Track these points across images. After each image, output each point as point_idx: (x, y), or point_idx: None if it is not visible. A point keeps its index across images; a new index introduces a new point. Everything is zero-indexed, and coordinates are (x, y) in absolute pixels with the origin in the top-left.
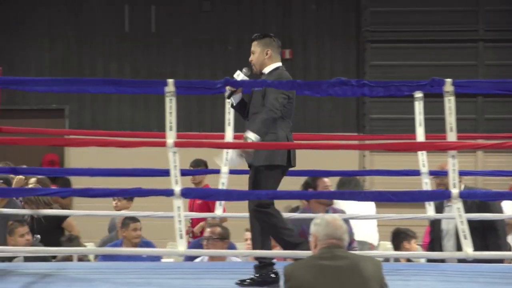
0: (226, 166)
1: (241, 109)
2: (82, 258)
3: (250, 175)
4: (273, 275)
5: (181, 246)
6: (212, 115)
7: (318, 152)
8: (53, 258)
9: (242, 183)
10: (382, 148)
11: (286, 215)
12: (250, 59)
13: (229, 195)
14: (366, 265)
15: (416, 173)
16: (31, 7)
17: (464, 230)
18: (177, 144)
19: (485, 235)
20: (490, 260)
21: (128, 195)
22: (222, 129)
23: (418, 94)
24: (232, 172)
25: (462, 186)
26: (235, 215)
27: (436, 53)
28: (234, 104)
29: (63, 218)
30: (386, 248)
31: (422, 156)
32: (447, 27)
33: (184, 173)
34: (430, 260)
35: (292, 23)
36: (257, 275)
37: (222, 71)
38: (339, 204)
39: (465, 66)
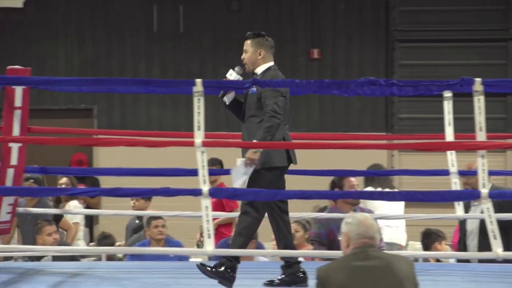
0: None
1: (236, 109)
2: (112, 258)
3: (250, 179)
4: (301, 274)
5: (209, 245)
6: None
7: (346, 152)
8: (82, 257)
9: None
10: (411, 147)
11: (313, 214)
12: (242, 57)
13: (257, 195)
14: (399, 264)
15: (445, 173)
16: (60, 7)
17: (494, 230)
18: (205, 144)
19: (508, 234)
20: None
21: (156, 194)
22: None
23: (447, 94)
24: None
25: (489, 186)
26: None
27: (465, 52)
28: (227, 104)
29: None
30: (415, 248)
31: (451, 155)
32: (476, 26)
33: (212, 173)
34: (459, 260)
35: (320, 22)
36: (285, 275)
37: None
38: (367, 203)
39: (494, 65)
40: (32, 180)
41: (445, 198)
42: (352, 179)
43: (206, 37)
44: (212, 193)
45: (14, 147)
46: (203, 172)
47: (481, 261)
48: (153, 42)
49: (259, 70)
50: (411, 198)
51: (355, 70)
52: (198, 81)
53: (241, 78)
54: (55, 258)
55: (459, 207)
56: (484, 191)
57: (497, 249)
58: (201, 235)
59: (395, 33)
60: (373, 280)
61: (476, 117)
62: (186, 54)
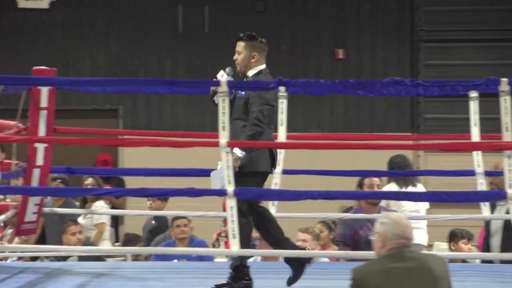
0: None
1: None
2: (137, 258)
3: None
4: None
5: (234, 246)
6: None
7: (372, 152)
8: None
9: (294, 183)
10: (437, 148)
11: (337, 215)
12: (234, 58)
13: (281, 195)
14: (435, 264)
15: (471, 173)
16: (86, 7)
17: None
18: (230, 144)
19: None
20: None
21: (181, 195)
22: (274, 129)
23: (473, 94)
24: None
25: None
26: (288, 215)
27: (491, 52)
28: (216, 103)
29: None
30: (441, 249)
31: (477, 156)
32: (502, 26)
33: None
34: (484, 261)
35: (345, 22)
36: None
37: (275, 71)
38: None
39: None
40: (59, 180)
41: (471, 199)
42: (374, 179)
43: (231, 37)
44: (238, 194)
45: (40, 147)
46: (228, 172)
47: (503, 261)
48: (178, 42)
49: (251, 73)
50: (437, 199)
51: (380, 70)
52: (223, 81)
53: (231, 79)
54: (81, 258)
55: (485, 208)
56: (510, 191)
57: None
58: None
59: (421, 33)
60: (409, 281)
61: (503, 117)
62: (211, 54)
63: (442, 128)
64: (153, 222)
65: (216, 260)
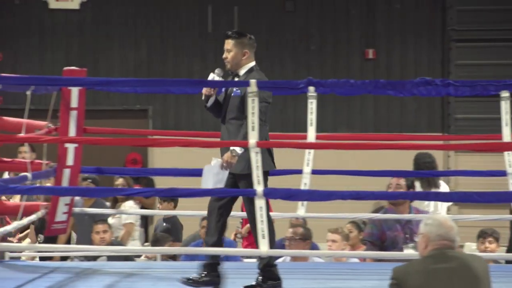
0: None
1: (216, 110)
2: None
3: (228, 183)
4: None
5: (264, 246)
6: (295, 115)
7: (402, 153)
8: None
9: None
10: (467, 148)
11: (367, 215)
12: (223, 56)
13: (311, 195)
14: (476, 264)
15: (502, 173)
16: (116, 8)
17: None
18: (259, 145)
19: None
20: None
21: (212, 195)
22: (304, 129)
23: (505, 94)
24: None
25: None
26: (318, 215)
27: None
28: (209, 105)
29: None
30: (472, 250)
31: (508, 156)
32: None
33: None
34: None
35: (376, 22)
36: (203, 274)
37: (305, 71)
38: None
39: None
40: (89, 180)
41: (502, 199)
42: (393, 179)
43: (261, 37)
44: (267, 194)
45: (70, 147)
46: (258, 172)
47: None
48: (207, 42)
49: (242, 70)
50: (468, 199)
51: (411, 70)
52: (253, 81)
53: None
54: (110, 258)
55: None
56: None
57: None
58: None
59: (452, 32)
60: (450, 281)
61: None
62: None
63: (473, 128)
64: (164, 224)
65: (245, 260)
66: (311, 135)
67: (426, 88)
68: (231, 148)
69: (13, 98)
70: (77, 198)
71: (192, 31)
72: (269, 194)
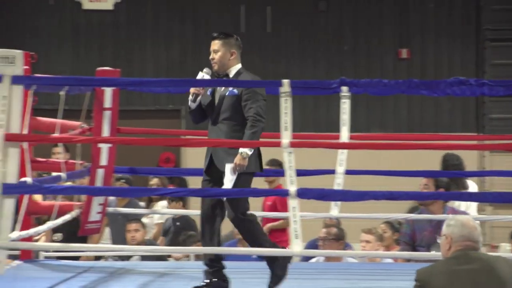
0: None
1: (199, 113)
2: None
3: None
4: (224, 281)
5: (297, 246)
6: (327, 115)
7: (436, 153)
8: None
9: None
10: (502, 148)
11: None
12: (211, 57)
13: (345, 196)
14: (501, 266)
15: None
16: (149, 8)
17: None
18: (292, 144)
19: None
20: None
21: (244, 195)
22: (337, 129)
23: None
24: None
25: None
26: (351, 215)
27: None
28: (192, 108)
29: None
30: (506, 250)
31: None
32: None
33: (299, 173)
34: None
35: (409, 22)
36: (208, 280)
37: (338, 71)
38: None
39: None
40: (123, 180)
41: None
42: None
43: (293, 37)
44: (300, 194)
45: (104, 147)
46: (291, 172)
47: None
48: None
49: (231, 71)
50: (504, 200)
51: (445, 70)
52: (285, 81)
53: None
54: (143, 258)
55: None
56: None
57: None
58: None
59: (486, 32)
60: (474, 283)
61: None
62: (273, 55)
63: (508, 128)
64: (178, 223)
65: None
66: (344, 135)
67: (460, 88)
68: (241, 150)
69: (47, 99)
70: (111, 198)
71: (225, 30)
72: (303, 194)
